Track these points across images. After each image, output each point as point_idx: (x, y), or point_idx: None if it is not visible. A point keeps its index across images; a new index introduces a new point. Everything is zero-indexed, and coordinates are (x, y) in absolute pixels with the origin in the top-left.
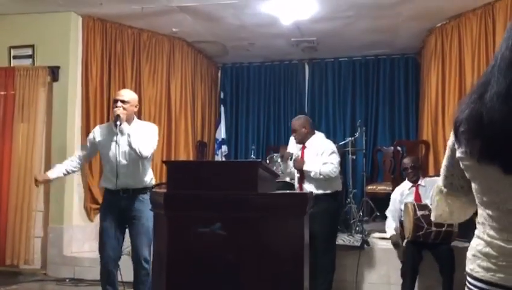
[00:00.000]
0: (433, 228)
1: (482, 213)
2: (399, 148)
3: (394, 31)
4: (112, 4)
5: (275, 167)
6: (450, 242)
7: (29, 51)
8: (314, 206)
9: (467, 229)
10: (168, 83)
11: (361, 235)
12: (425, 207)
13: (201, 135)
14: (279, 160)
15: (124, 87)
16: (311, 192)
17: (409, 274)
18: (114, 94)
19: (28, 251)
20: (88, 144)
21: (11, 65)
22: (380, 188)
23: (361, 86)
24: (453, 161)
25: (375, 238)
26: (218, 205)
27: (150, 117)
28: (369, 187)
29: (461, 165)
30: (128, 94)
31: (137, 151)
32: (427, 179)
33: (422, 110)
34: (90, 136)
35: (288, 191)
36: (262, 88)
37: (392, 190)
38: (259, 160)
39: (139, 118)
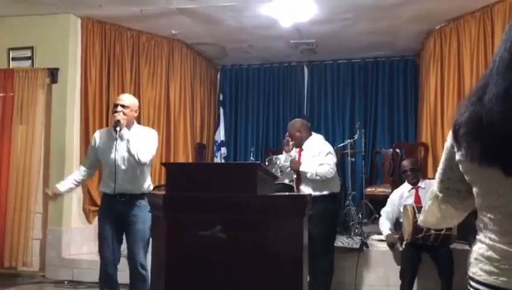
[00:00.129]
0: (432, 231)
1: (483, 217)
2: (398, 150)
3: (393, 33)
4: (111, 6)
5: (274, 169)
6: (449, 245)
7: (28, 53)
8: (312, 208)
9: (466, 232)
10: (167, 85)
11: (360, 238)
12: None
13: (200, 137)
14: (278, 162)
15: (123, 89)
16: (310, 194)
17: (407, 276)
18: (113, 96)
19: (27, 253)
20: (89, 151)
21: (10, 67)
22: (379, 190)
23: (361, 88)
24: (450, 164)
25: (374, 240)
26: (217, 207)
27: (149, 119)
28: (368, 189)
29: (461, 168)
30: (128, 99)
31: (136, 157)
32: (427, 181)
33: (421, 112)
34: (92, 142)
35: (287, 193)
36: (261, 90)
37: (391, 192)
38: (259, 162)
39: (138, 120)
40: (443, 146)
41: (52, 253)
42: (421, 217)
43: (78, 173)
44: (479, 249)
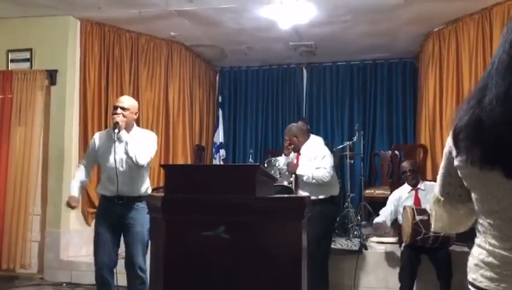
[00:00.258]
0: (431, 233)
1: (483, 222)
2: (397, 152)
3: (392, 36)
4: (110, 8)
5: (273, 171)
6: (447, 247)
7: (27, 55)
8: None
9: (465, 234)
10: (166, 87)
11: (359, 240)
12: (424, 212)
13: (199, 138)
14: (277, 164)
15: (122, 91)
16: (309, 196)
17: (406, 278)
18: (112, 98)
19: (25, 255)
20: (89, 151)
21: (9, 69)
22: (378, 192)
23: (359, 90)
24: (449, 169)
25: (373, 242)
26: (216, 209)
27: (148, 121)
28: (367, 191)
29: (459, 173)
30: (128, 101)
31: (134, 160)
32: (427, 182)
33: (420, 114)
34: (91, 143)
35: (286, 195)
36: (260, 92)
37: (390, 194)
38: (257, 164)
39: (137, 122)
40: (442, 148)
41: (51, 255)
42: (433, 225)
43: (81, 174)
44: (479, 254)
